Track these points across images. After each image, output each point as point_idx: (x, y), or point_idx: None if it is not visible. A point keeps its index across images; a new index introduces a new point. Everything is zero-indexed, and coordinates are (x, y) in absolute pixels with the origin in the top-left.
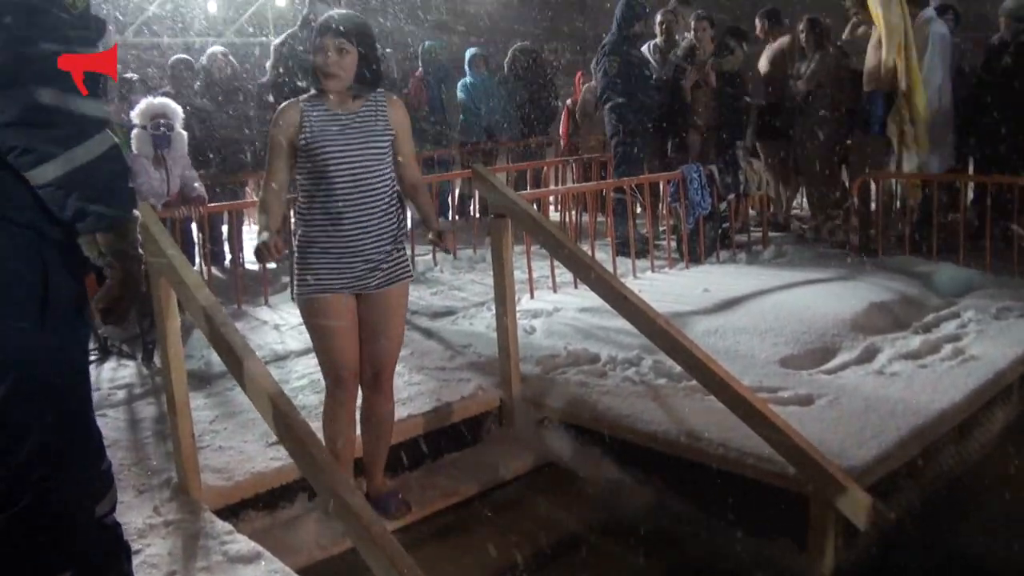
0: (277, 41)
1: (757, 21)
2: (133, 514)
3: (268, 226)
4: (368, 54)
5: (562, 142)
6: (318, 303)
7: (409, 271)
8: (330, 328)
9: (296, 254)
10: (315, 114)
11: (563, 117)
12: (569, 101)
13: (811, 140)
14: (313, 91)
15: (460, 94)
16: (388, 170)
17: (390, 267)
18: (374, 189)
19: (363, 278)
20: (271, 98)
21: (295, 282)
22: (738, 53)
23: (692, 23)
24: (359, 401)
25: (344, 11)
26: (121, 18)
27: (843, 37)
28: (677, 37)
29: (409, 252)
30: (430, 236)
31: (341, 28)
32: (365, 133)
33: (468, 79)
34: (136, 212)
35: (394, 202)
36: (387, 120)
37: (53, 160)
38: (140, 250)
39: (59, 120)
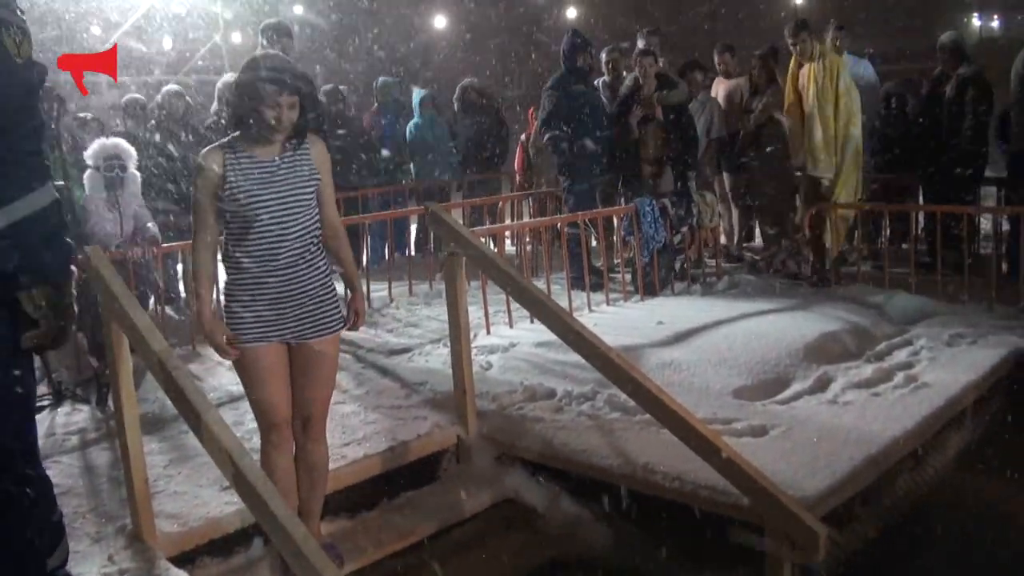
0: (222, 82)
1: (716, 55)
2: (88, 564)
3: (205, 297)
4: (306, 104)
5: (517, 177)
6: (248, 353)
7: (341, 319)
8: (260, 378)
9: (224, 303)
10: (241, 162)
11: (518, 152)
12: (523, 136)
13: (763, 172)
14: (237, 134)
15: (410, 134)
16: (315, 214)
17: (321, 315)
18: (302, 235)
19: (294, 327)
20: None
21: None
22: (682, 87)
23: (638, 59)
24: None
25: (286, 61)
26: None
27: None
28: (625, 73)
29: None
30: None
31: (295, 85)
32: (292, 180)
33: (416, 120)
34: (72, 268)
35: (321, 247)
36: (311, 163)
37: None
38: (73, 303)
39: (4, 170)
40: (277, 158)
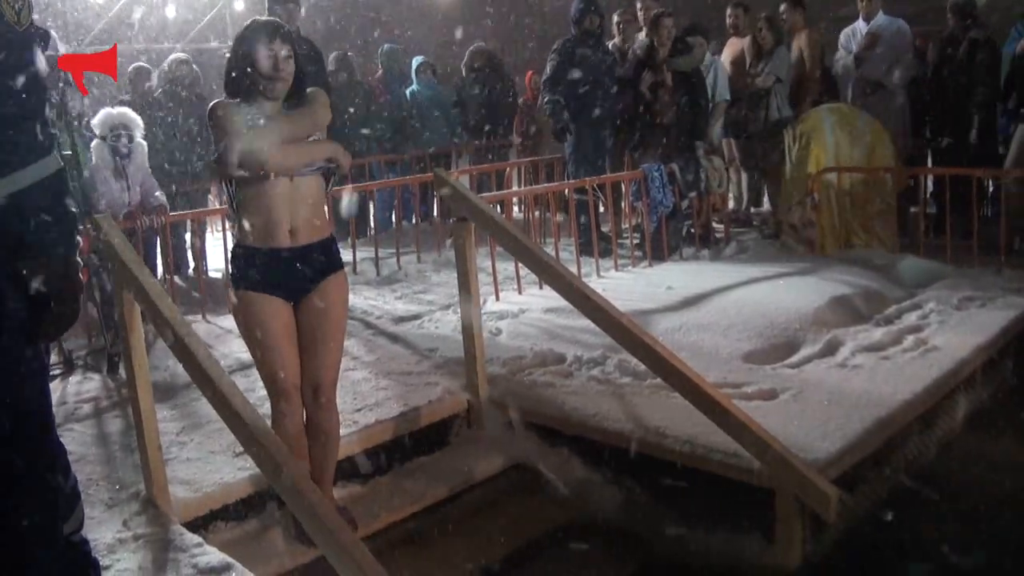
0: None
1: (729, 10)
2: (102, 529)
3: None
4: (301, 61)
5: (516, 139)
6: (255, 302)
7: (340, 262)
8: (267, 329)
9: (231, 257)
10: (250, 115)
11: (516, 118)
12: (521, 100)
13: (772, 136)
14: (238, 99)
15: (408, 100)
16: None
17: (322, 264)
18: (307, 188)
19: (299, 283)
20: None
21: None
22: (696, 53)
23: (654, 20)
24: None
25: (276, 21)
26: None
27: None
28: (639, 36)
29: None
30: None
31: (287, 33)
32: (295, 133)
33: (415, 87)
34: (79, 239)
35: (323, 201)
36: (315, 118)
37: None
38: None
39: (5, 139)
40: (283, 112)
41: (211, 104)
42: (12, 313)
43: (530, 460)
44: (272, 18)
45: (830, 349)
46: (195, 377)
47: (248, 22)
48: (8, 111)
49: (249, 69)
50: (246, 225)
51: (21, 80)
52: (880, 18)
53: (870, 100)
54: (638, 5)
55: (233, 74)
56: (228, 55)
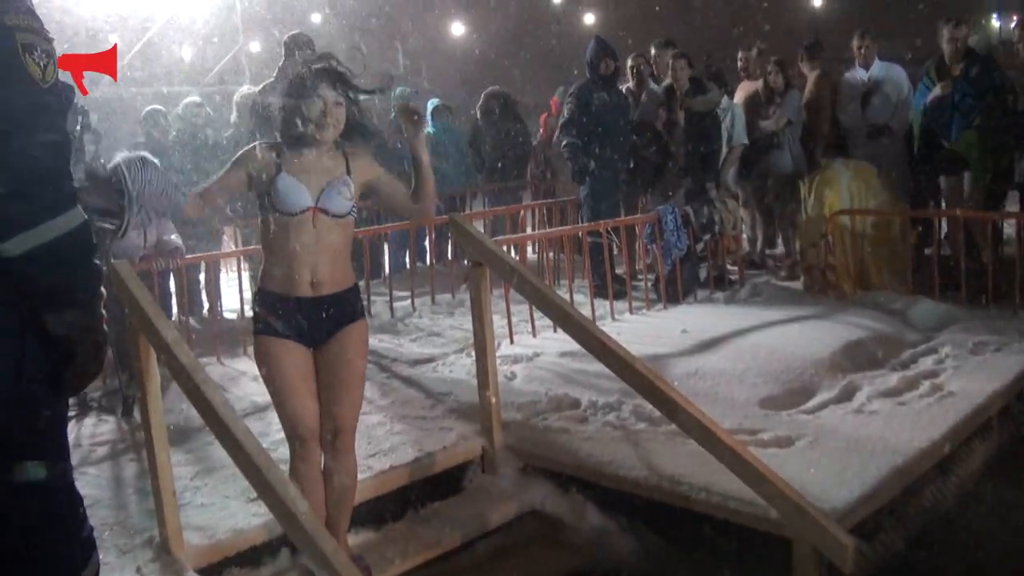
0: (240, 95)
1: (740, 54)
2: None
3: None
4: (352, 105)
5: (529, 178)
6: (274, 346)
7: (362, 310)
8: (287, 375)
9: (253, 300)
10: (287, 158)
11: (529, 159)
12: (535, 142)
13: (787, 184)
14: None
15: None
16: (349, 219)
17: (343, 314)
18: (331, 236)
19: (320, 331)
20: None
21: (254, 325)
22: (711, 95)
23: (670, 61)
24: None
25: (329, 57)
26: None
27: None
28: (652, 81)
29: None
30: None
31: (340, 76)
32: (328, 173)
33: (430, 129)
34: (102, 289)
35: (348, 249)
36: (350, 171)
37: (24, 233)
38: (104, 325)
39: (33, 193)
40: (321, 159)
41: (249, 145)
42: (36, 365)
43: (545, 507)
44: (324, 64)
45: (846, 394)
46: (211, 424)
47: (300, 69)
48: (35, 166)
49: (298, 112)
50: (269, 271)
51: (49, 138)
52: (877, 65)
53: (876, 145)
54: (652, 50)
55: (280, 113)
56: (275, 89)
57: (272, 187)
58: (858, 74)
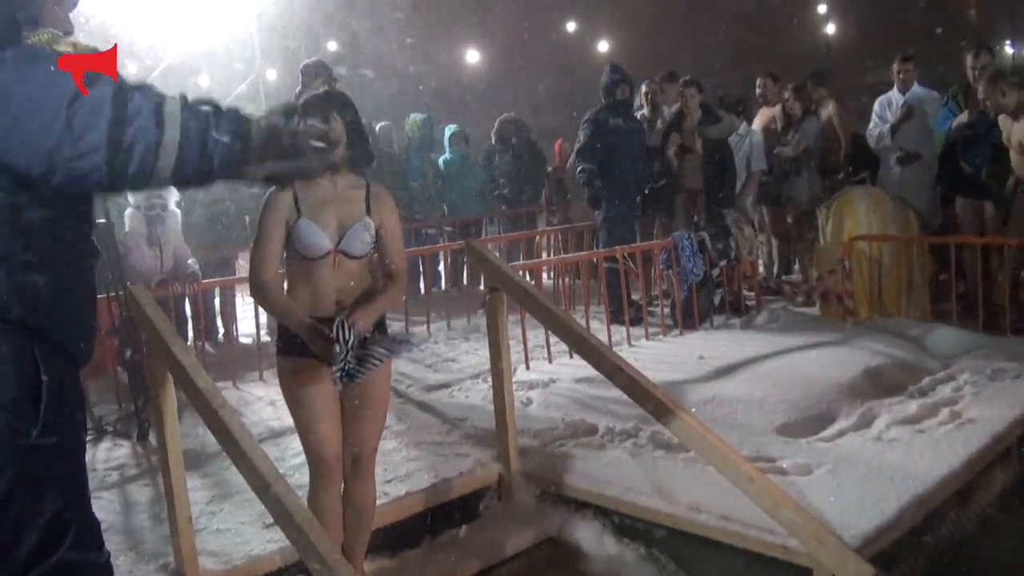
0: None
1: (758, 80)
2: None
3: (296, 312)
4: (350, 131)
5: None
6: (299, 371)
7: (387, 351)
8: (310, 399)
9: (278, 324)
10: (306, 192)
11: (545, 185)
12: (550, 168)
13: (805, 212)
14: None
15: (441, 169)
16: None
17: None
18: (351, 270)
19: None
20: None
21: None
22: (725, 122)
23: (680, 89)
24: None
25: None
26: None
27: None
28: (665, 108)
29: (403, 322)
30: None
31: (340, 103)
32: (349, 213)
33: (447, 155)
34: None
35: (368, 281)
36: (370, 211)
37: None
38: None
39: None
40: (338, 188)
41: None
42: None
43: (562, 534)
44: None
45: (865, 422)
46: (228, 449)
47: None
48: (62, 215)
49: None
50: (293, 296)
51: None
52: (916, 89)
53: (905, 170)
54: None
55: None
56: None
57: (293, 231)
58: (893, 96)
